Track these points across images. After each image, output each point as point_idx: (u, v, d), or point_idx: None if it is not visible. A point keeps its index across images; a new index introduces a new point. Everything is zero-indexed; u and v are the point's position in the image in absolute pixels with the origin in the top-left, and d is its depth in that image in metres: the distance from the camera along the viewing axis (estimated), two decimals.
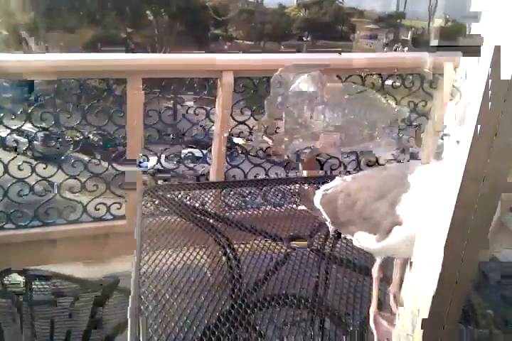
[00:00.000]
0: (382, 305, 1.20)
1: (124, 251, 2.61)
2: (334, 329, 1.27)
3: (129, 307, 1.23)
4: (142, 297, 1.26)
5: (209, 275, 1.40)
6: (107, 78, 2.65)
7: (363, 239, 1.13)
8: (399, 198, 1.02)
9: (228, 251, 1.49)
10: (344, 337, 1.22)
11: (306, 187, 1.14)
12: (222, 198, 1.83)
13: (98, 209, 2.71)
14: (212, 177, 2.77)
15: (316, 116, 1.08)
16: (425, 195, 0.97)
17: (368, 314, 1.19)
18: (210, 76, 2.74)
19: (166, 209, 1.64)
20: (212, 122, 2.82)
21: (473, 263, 0.64)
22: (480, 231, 0.64)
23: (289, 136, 1.10)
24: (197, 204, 1.73)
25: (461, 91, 2.63)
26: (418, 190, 1.01)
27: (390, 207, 1.03)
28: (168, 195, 1.73)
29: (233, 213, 1.72)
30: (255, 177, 2.86)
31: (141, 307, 1.23)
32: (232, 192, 1.92)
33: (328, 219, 1.24)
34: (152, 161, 2.87)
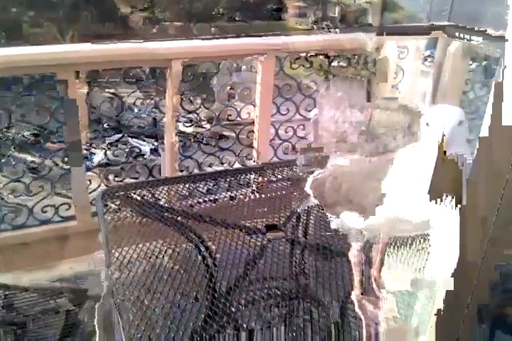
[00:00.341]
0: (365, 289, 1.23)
1: (76, 252, 2.53)
2: (318, 317, 1.27)
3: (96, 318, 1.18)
4: (118, 304, 1.21)
5: (186, 276, 1.36)
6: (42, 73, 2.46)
7: (348, 220, 1.15)
8: (382, 181, 1.05)
9: (202, 249, 1.45)
10: (329, 323, 1.24)
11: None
12: (184, 193, 1.78)
13: (45, 212, 2.55)
14: (165, 169, 2.69)
15: (353, 127, 1.05)
16: (406, 176, 1.01)
17: (351, 299, 1.22)
18: (159, 65, 2.63)
19: (129, 210, 1.57)
20: (163, 113, 2.72)
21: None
22: None
23: (327, 151, 1.06)
24: (161, 202, 1.67)
25: (404, 69, 2.68)
26: (400, 172, 1.03)
27: (374, 189, 1.05)
28: (129, 195, 1.65)
29: (199, 207, 1.67)
30: (210, 166, 2.81)
31: (120, 316, 1.18)
32: (191, 186, 1.87)
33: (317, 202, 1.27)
34: (99, 156, 2.73)
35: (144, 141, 2.80)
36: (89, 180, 2.61)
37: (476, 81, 3.12)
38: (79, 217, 2.59)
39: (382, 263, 1.22)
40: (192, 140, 2.93)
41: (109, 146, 2.76)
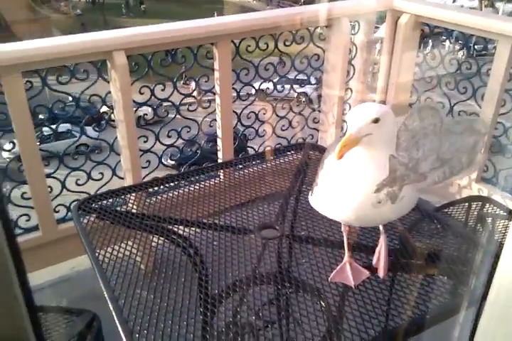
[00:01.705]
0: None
1: (36, 265, 2.40)
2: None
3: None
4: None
5: (177, 282, 1.30)
6: None
7: None
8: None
9: (192, 253, 1.39)
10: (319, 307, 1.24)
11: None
12: (163, 197, 1.69)
13: None
14: (126, 166, 2.56)
15: (423, 155, 0.99)
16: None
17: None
18: (98, 58, 2.44)
19: (110, 222, 1.47)
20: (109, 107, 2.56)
21: None
22: None
23: (399, 184, 1.00)
24: (140, 210, 1.58)
25: (357, 45, 2.68)
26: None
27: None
28: (106, 205, 1.55)
29: (182, 211, 1.59)
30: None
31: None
32: (168, 188, 1.79)
33: None
34: None
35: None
36: (50, 186, 2.44)
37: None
38: (43, 227, 2.43)
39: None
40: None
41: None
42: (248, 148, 3.05)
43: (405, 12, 3.00)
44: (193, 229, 1.47)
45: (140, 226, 1.47)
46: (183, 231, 1.47)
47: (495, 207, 1.97)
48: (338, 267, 1.27)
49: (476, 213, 1.95)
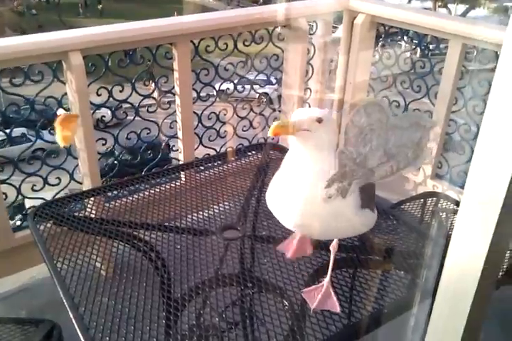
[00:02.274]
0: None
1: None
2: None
3: None
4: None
5: (140, 286, 1.29)
6: None
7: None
8: None
9: (153, 256, 1.38)
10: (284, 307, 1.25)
11: None
12: (122, 201, 1.67)
13: None
14: (84, 169, 2.51)
15: (370, 150, 1.00)
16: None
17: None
18: (53, 59, 2.38)
19: (67, 228, 1.44)
20: (66, 110, 2.50)
21: None
22: None
23: (348, 179, 1.00)
24: (98, 215, 1.55)
25: (315, 45, 2.72)
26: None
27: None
28: (62, 211, 1.51)
29: (141, 215, 1.57)
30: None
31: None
32: (125, 192, 1.77)
33: None
34: None
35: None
36: (5, 193, 2.36)
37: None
38: None
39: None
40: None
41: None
42: (173, 159, 3.00)
43: (361, 12, 3.06)
44: (154, 232, 1.46)
45: (99, 231, 1.45)
46: (144, 235, 1.45)
47: (449, 203, 2.05)
48: (320, 295, 1.22)
49: (431, 208, 2.02)
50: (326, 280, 1.24)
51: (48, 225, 1.45)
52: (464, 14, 21.50)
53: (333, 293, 1.22)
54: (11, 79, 2.37)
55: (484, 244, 0.60)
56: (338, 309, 1.19)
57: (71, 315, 1.11)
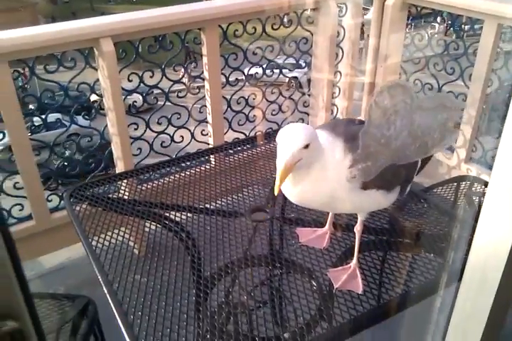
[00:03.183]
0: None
1: (31, 253, 2.42)
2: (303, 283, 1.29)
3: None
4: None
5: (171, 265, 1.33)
6: None
7: None
8: None
9: (184, 236, 1.41)
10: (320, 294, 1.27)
11: None
12: (153, 184, 1.71)
13: None
14: (117, 153, 2.57)
15: (394, 131, 1.01)
16: None
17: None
18: (85, 46, 2.43)
19: (102, 209, 1.49)
20: (99, 96, 2.55)
21: None
22: None
23: (373, 160, 1.01)
24: (132, 196, 1.60)
25: (345, 28, 2.67)
26: None
27: None
28: (97, 193, 1.56)
29: (173, 197, 1.61)
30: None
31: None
32: (157, 175, 1.81)
33: None
34: None
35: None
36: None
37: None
38: (36, 216, 2.45)
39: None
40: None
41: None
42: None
43: None
44: (185, 213, 1.50)
45: (132, 212, 1.49)
46: (175, 216, 1.49)
47: (482, 186, 2.01)
48: (346, 275, 1.24)
49: (464, 192, 1.98)
50: (354, 261, 1.25)
51: (84, 206, 1.51)
52: None
53: (359, 275, 1.23)
54: (45, 66, 2.44)
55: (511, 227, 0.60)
56: (360, 290, 1.20)
57: (105, 290, 1.16)
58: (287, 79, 3.27)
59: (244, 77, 2.91)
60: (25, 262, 2.49)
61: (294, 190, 1.10)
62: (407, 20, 3.12)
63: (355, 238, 1.27)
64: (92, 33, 2.38)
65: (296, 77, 3.57)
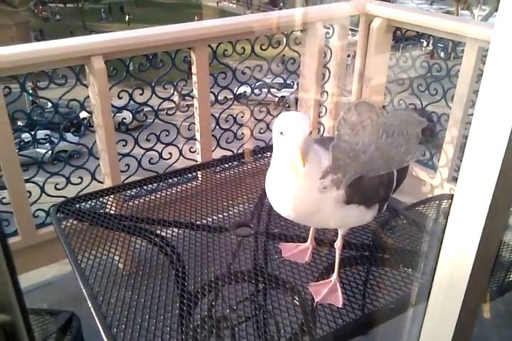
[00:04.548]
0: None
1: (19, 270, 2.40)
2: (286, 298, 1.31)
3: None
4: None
5: (156, 279, 1.34)
6: None
7: None
8: None
9: (169, 251, 1.43)
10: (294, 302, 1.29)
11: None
12: (139, 199, 1.73)
13: None
14: (105, 169, 2.59)
15: (362, 145, 1.06)
16: None
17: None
18: (76, 63, 2.47)
19: (88, 223, 1.51)
20: (89, 113, 2.59)
21: None
22: None
23: (342, 172, 1.06)
24: (117, 211, 1.61)
25: (332, 49, 2.74)
26: None
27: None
28: (83, 207, 1.58)
29: (158, 212, 1.63)
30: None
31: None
32: (144, 191, 1.83)
33: None
34: None
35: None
36: (29, 191, 2.46)
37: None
38: (22, 232, 2.44)
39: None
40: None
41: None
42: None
43: (377, 16, 3.09)
44: (171, 229, 1.52)
45: (118, 227, 1.51)
46: (161, 231, 1.51)
47: None
48: (327, 289, 1.27)
49: (445, 210, 2.03)
50: (334, 276, 1.28)
51: (70, 221, 1.52)
52: (487, 16, 21.21)
53: (339, 289, 1.25)
54: (36, 83, 2.47)
55: (475, 238, 0.64)
56: (340, 304, 1.23)
57: (89, 304, 1.17)
58: (276, 99, 3.34)
59: (232, 96, 2.97)
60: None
61: (281, 196, 1.13)
62: (392, 42, 3.22)
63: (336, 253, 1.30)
64: (84, 50, 2.43)
65: (284, 97, 3.64)
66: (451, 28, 2.81)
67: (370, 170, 1.10)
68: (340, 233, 1.26)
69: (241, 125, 3.01)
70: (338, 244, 1.26)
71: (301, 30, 3.07)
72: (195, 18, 23.62)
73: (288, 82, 3.31)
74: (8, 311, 0.43)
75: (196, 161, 2.87)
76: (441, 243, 0.74)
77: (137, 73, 2.64)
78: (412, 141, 1.15)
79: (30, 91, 2.42)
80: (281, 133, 1.04)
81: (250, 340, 1.18)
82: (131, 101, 2.68)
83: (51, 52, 2.38)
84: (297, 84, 3.21)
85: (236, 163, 2.15)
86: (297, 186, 1.09)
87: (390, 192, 1.25)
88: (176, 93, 2.79)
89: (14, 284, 0.45)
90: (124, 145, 2.68)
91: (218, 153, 2.88)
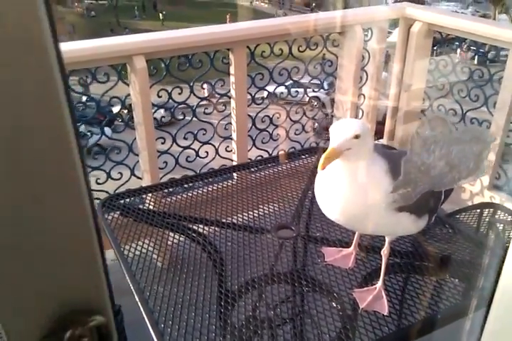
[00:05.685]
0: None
1: None
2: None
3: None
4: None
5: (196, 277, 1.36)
6: None
7: None
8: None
9: (211, 250, 1.45)
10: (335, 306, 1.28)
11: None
12: (183, 197, 1.75)
13: None
14: (144, 166, 2.63)
15: (433, 160, 1.08)
16: None
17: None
18: (119, 62, 2.51)
19: (132, 219, 1.54)
20: (128, 110, 2.63)
21: None
22: None
23: (413, 186, 1.08)
24: (161, 208, 1.64)
25: (370, 52, 2.73)
26: None
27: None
28: (128, 203, 1.61)
29: (202, 211, 1.65)
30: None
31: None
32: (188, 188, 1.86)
33: None
34: None
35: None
36: None
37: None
38: None
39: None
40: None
41: None
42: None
43: (418, 20, 3.05)
44: (212, 227, 1.53)
45: (162, 223, 1.53)
46: (203, 229, 1.53)
47: (506, 214, 2.01)
48: (371, 296, 1.26)
49: (487, 219, 1.99)
50: (379, 283, 1.27)
51: (115, 215, 1.55)
52: None
53: (384, 296, 1.25)
54: (79, 80, 2.53)
55: None
56: (385, 311, 1.22)
57: (137, 298, 1.19)
58: (311, 100, 3.33)
59: (269, 96, 2.97)
60: None
61: (332, 200, 1.14)
62: (432, 46, 3.17)
63: (379, 260, 1.29)
64: (126, 50, 2.47)
65: (318, 98, 3.63)
66: (494, 33, 2.75)
67: (438, 185, 1.11)
68: (387, 240, 1.25)
69: (277, 126, 3.01)
70: (384, 252, 1.26)
71: (340, 33, 3.06)
72: (227, 17, 23.74)
73: (324, 83, 3.30)
74: (103, 312, 0.44)
75: (232, 160, 2.88)
76: (502, 260, 0.72)
77: (176, 72, 2.67)
78: (481, 157, 1.15)
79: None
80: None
81: None
82: (170, 100, 2.71)
83: (96, 51, 2.43)
84: (328, 85, 3.20)
85: (273, 164, 2.15)
86: (348, 190, 1.09)
87: (439, 204, 1.24)
88: (212, 92, 2.82)
89: (108, 283, 0.46)
90: (162, 143, 2.72)
91: (254, 153, 2.90)
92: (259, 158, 2.81)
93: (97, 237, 0.46)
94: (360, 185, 1.09)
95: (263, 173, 2.04)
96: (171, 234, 1.51)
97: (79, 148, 0.42)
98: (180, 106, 2.77)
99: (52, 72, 0.40)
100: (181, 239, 1.51)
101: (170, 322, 1.14)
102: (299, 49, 2.95)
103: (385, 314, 1.21)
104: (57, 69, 0.39)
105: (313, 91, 3.32)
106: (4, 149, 0.39)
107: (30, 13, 0.38)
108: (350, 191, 1.10)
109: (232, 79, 2.74)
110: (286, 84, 3.03)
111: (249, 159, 2.81)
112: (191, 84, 2.71)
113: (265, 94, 3.05)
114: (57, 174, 0.42)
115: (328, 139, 1.11)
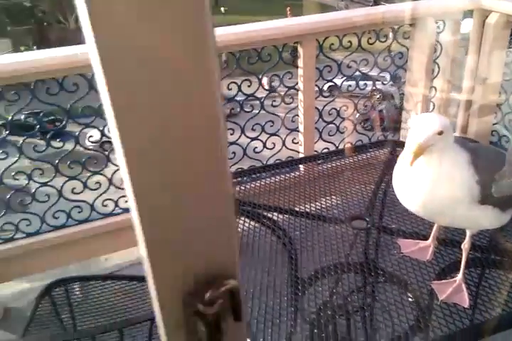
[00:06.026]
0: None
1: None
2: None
3: None
4: None
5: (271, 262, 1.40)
6: None
7: None
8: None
9: (284, 237, 1.49)
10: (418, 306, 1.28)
11: None
12: (258, 185, 1.80)
13: (106, 206, 2.60)
14: None
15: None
16: None
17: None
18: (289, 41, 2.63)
19: None
20: None
21: None
22: None
23: None
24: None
25: (442, 44, 2.65)
26: None
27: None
28: None
29: (276, 199, 1.70)
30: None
31: None
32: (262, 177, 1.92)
33: None
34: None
35: None
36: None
37: None
38: None
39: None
40: None
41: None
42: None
43: (494, 11, 2.91)
44: (285, 215, 1.57)
45: (238, 210, 1.59)
46: (277, 216, 1.57)
47: None
48: (451, 288, 1.26)
49: None
50: (460, 276, 1.26)
51: None
52: None
53: (465, 290, 1.24)
54: None
55: None
56: (466, 304, 1.21)
57: None
58: (377, 92, 3.28)
59: (337, 89, 2.96)
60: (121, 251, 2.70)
61: (413, 191, 1.14)
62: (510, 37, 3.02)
63: (457, 253, 1.28)
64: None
65: (378, 90, 3.56)
66: None
67: None
68: (468, 234, 1.24)
69: (343, 118, 3.00)
70: (465, 246, 1.25)
71: (410, 25, 2.99)
72: (288, 10, 23.60)
73: (393, 76, 3.24)
74: (235, 276, 0.49)
75: (298, 152, 2.91)
76: None
77: (246, 65, 2.72)
78: None
79: None
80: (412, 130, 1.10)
81: (361, 331, 1.21)
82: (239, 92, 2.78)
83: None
84: (394, 77, 3.13)
85: (339, 156, 2.16)
86: (431, 183, 1.09)
87: None
88: (281, 85, 2.85)
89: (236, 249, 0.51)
90: (231, 134, 2.79)
91: (320, 145, 2.91)
92: (326, 150, 2.82)
93: (234, 210, 0.51)
94: (443, 177, 1.09)
95: (329, 165, 2.06)
96: (247, 220, 1.56)
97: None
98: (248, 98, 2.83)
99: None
100: (254, 225, 1.56)
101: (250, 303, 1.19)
102: (368, 41, 2.92)
103: (466, 306, 1.20)
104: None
105: (383, 84, 3.26)
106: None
107: None
108: (433, 184, 1.10)
109: (300, 72, 2.76)
110: (355, 76, 3.01)
111: (315, 151, 2.82)
112: (260, 77, 2.75)
113: (326, 86, 3.05)
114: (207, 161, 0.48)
115: (395, 131, 1.13)
